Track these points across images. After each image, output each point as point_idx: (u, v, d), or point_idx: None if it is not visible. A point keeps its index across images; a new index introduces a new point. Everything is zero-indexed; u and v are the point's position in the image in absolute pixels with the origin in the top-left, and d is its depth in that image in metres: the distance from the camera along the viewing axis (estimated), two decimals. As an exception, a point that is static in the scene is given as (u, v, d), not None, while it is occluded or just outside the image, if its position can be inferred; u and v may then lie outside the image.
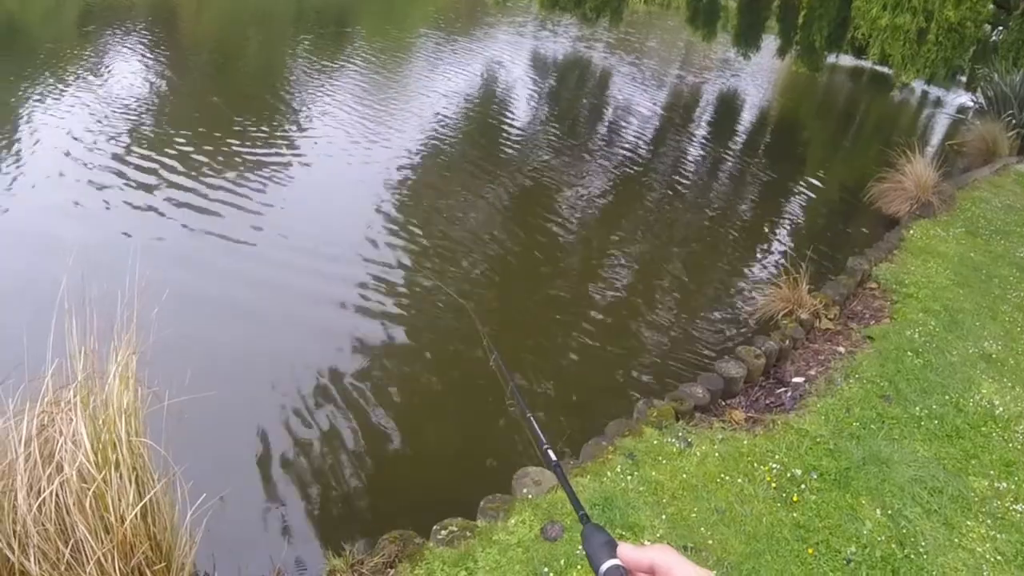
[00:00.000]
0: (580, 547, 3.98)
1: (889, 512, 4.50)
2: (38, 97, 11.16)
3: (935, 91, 23.60)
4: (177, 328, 4.45)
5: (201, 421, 4.55)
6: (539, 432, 1.42)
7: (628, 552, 0.91)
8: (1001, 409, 5.76)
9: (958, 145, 15.39)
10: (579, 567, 3.88)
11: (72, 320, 3.45)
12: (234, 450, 4.90)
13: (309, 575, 3.98)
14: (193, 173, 8.98)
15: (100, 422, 3.27)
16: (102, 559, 3.05)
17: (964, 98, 22.29)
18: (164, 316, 3.83)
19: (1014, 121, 15.34)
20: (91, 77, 12.77)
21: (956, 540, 4.40)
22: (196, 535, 3.52)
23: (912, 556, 4.22)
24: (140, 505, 3.17)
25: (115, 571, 3.05)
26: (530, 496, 4.27)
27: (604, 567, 0.92)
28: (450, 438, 5.47)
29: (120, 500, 3.15)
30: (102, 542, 3.06)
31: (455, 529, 3.98)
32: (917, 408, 5.60)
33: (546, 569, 3.82)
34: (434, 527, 3.98)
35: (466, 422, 5.62)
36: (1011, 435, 5.48)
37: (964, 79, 21.48)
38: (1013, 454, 5.27)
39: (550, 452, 1.35)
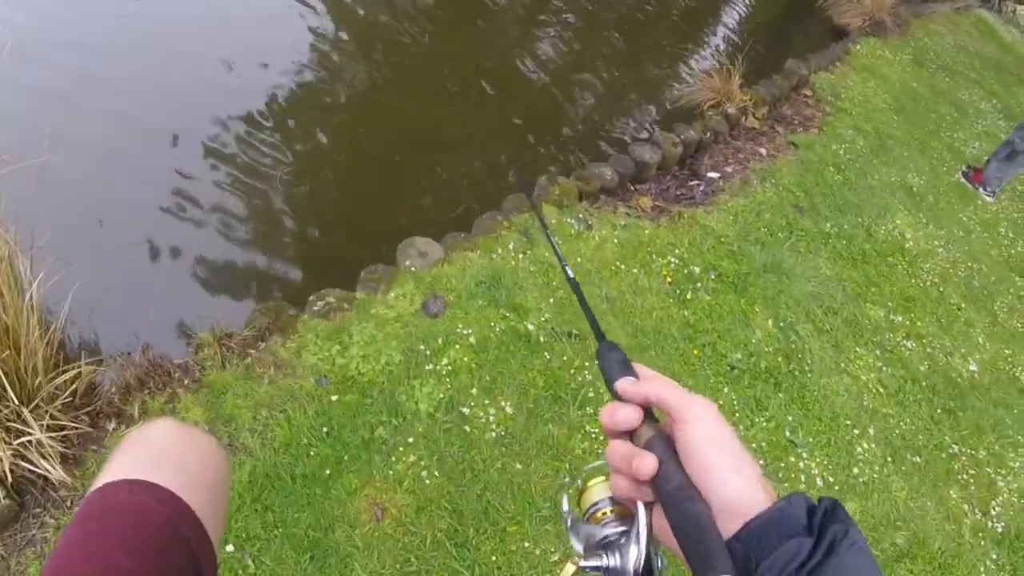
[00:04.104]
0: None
1: (781, 324, 4.24)
2: None
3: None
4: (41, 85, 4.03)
5: (67, 191, 3.96)
6: (558, 250, 1.14)
7: (626, 387, 0.81)
8: (911, 243, 5.52)
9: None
10: (457, 346, 3.52)
11: None
12: (94, 217, 4.03)
13: (176, 350, 3.40)
14: None
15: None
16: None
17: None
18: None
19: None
20: None
21: (843, 364, 4.20)
22: (60, 314, 3.04)
23: (796, 372, 3.99)
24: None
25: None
26: (414, 268, 3.86)
27: (620, 382, 0.83)
28: (338, 201, 4.77)
29: (-50, 284, 2.62)
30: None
31: (332, 301, 3.61)
32: (828, 225, 5.30)
33: (423, 346, 3.48)
34: (310, 298, 3.62)
35: (357, 182, 4.92)
36: (916, 271, 5.27)
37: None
38: (914, 290, 5.08)
39: (568, 269, 1.09)
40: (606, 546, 0.77)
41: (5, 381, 2.66)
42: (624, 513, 0.80)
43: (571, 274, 1.05)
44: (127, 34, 5.18)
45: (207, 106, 4.87)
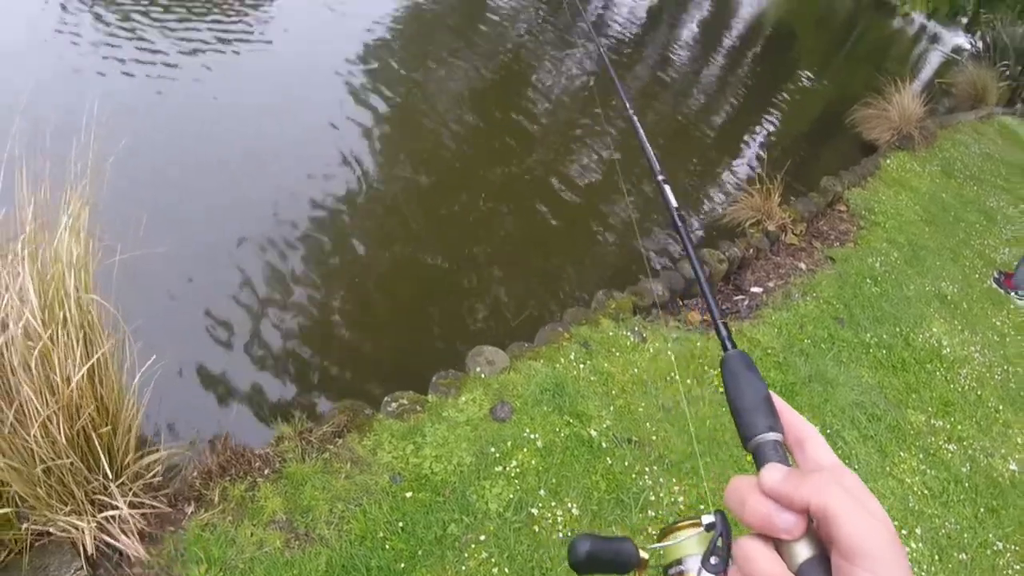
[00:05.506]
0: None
1: (827, 432, 4.49)
2: None
3: (934, 27, 23.19)
4: (135, 179, 4.22)
5: (156, 279, 4.29)
6: (653, 157, 1.02)
7: (783, 486, 0.60)
8: (948, 350, 5.77)
9: (947, 84, 15.11)
10: (525, 450, 3.79)
11: (22, 167, 3.07)
12: (188, 310, 4.50)
13: (257, 441, 3.69)
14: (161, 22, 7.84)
15: (48, 277, 3.02)
16: (47, 421, 2.81)
17: (962, 39, 21.85)
18: (122, 167, 3.46)
19: (1008, 72, 15.17)
20: None
21: (888, 468, 4.42)
22: (144, 397, 3.24)
23: (843, 477, 4.22)
24: (88, 365, 2.93)
25: (60, 434, 2.81)
26: (483, 375, 4.18)
27: (762, 439, 0.63)
28: (412, 310, 5.19)
29: (67, 360, 2.91)
30: (47, 404, 2.82)
31: (406, 402, 3.91)
32: (868, 335, 5.58)
33: (492, 449, 3.74)
34: (385, 399, 3.92)
35: (428, 293, 5.36)
36: (954, 376, 5.50)
37: (965, 20, 21.00)
38: (953, 395, 5.30)
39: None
40: None
41: (101, 455, 2.87)
42: None
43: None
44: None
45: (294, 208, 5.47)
